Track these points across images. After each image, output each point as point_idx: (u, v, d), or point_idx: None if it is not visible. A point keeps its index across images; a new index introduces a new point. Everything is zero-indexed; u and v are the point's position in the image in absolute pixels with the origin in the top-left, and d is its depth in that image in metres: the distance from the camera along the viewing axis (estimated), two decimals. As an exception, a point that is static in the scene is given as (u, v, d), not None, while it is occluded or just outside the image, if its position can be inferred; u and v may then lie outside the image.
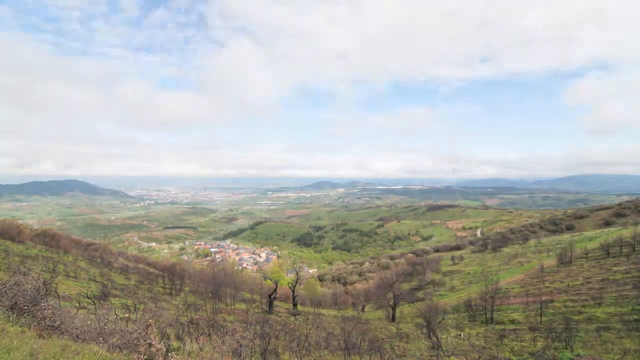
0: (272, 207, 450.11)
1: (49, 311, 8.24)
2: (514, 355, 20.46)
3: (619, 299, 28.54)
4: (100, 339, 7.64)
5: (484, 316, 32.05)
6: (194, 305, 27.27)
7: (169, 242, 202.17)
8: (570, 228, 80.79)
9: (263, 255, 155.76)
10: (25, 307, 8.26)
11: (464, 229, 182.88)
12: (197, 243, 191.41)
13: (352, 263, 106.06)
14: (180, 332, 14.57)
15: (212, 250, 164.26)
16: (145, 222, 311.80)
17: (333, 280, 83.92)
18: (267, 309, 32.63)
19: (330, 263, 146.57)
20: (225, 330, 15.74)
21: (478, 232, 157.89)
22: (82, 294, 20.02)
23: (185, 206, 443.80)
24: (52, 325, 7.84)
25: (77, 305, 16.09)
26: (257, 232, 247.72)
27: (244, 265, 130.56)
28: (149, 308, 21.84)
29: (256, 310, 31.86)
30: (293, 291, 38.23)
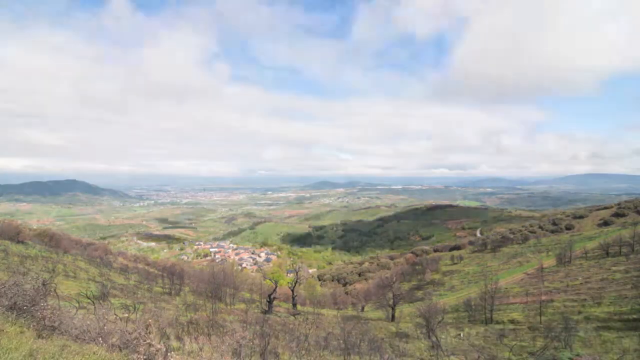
0: (271, 207, 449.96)
1: (49, 311, 8.22)
2: (514, 354, 20.48)
3: (618, 299, 28.56)
4: (100, 339, 7.63)
5: (484, 316, 32.06)
6: (194, 305, 27.26)
7: (168, 242, 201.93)
8: (569, 228, 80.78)
9: (263, 255, 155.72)
10: (25, 307, 8.24)
11: (463, 228, 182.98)
12: (197, 243, 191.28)
13: (351, 263, 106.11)
14: (180, 332, 14.56)
15: (211, 250, 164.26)
16: (144, 222, 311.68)
17: (333, 280, 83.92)
18: (267, 309, 32.63)
19: (330, 263, 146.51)
20: (224, 330, 15.74)
21: (477, 232, 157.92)
22: (81, 294, 20.00)
23: (184, 206, 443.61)
24: (52, 325, 7.83)
25: (77, 305, 16.08)
26: (256, 232, 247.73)
27: (244, 265, 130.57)
28: (148, 308, 21.85)
29: (256, 310, 31.87)
30: (293, 291, 38.24)
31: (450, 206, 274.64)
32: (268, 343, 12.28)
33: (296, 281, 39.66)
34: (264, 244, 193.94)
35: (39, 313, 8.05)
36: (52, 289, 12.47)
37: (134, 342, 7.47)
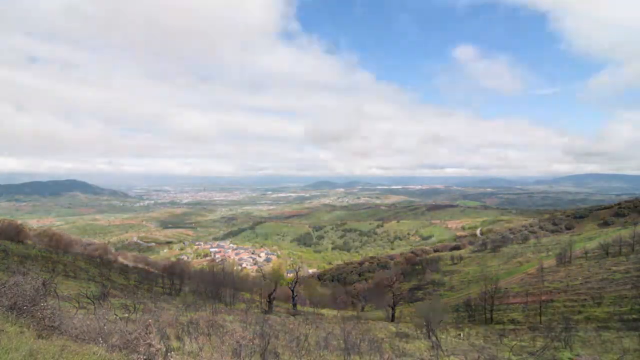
0: (271, 207, 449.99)
1: (49, 311, 8.21)
2: (514, 354, 20.46)
3: (618, 299, 28.57)
4: (100, 339, 7.63)
5: (484, 316, 32.08)
6: (194, 305, 27.26)
7: (168, 242, 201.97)
8: (569, 228, 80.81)
9: (262, 255, 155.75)
10: (25, 307, 8.24)
11: (463, 228, 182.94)
12: (197, 243, 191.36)
13: (351, 263, 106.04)
14: (180, 332, 14.54)
15: (211, 250, 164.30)
16: (144, 222, 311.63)
17: (333, 280, 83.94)
18: (267, 309, 32.63)
19: (330, 263, 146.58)
20: (224, 330, 15.72)
21: (477, 232, 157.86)
22: (81, 294, 20.00)
23: (184, 206, 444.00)
24: (52, 326, 7.82)
25: (77, 305, 16.09)
26: (256, 232, 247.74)
27: (244, 265, 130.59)
28: (148, 308, 21.85)
29: (256, 310, 31.85)
30: (293, 291, 38.24)
31: (450, 206, 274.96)
32: (268, 343, 12.28)
33: (296, 281, 39.68)
34: (264, 244, 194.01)
35: (39, 313, 8.04)
36: (52, 289, 12.48)
37: (134, 342, 7.46)
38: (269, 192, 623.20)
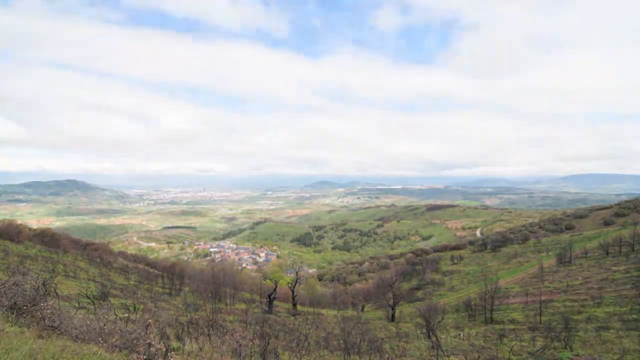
0: (271, 207, 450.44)
1: (49, 311, 8.21)
2: (513, 354, 20.45)
3: (618, 299, 28.56)
4: (100, 339, 7.62)
5: (484, 316, 32.06)
6: (194, 305, 27.29)
7: (168, 242, 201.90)
8: (569, 228, 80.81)
9: (262, 255, 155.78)
10: (25, 307, 8.24)
11: (463, 229, 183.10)
12: (197, 243, 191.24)
13: (351, 263, 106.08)
14: (180, 332, 14.56)
15: (211, 250, 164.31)
16: (144, 222, 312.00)
17: (333, 280, 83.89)
18: (267, 309, 32.64)
19: (330, 263, 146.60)
20: (224, 330, 15.72)
21: (477, 232, 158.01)
22: (81, 294, 19.99)
23: (184, 206, 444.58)
24: (52, 326, 7.82)
25: (77, 305, 16.10)
26: (256, 232, 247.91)
27: (244, 265, 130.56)
28: (148, 308, 21.83)
29: (256, 310, 31.86)
30: (293, 291, 38.24)
31: (450, 206, 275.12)
32: (268, 343, 12.27)
33: (296, 281, 39.68)
34: (263, 244, 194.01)
35: (39, 313, 8.04)
36: (52, 289, 12.47)
37: (134, 342, 7.46)
38: (269, 192, 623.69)
